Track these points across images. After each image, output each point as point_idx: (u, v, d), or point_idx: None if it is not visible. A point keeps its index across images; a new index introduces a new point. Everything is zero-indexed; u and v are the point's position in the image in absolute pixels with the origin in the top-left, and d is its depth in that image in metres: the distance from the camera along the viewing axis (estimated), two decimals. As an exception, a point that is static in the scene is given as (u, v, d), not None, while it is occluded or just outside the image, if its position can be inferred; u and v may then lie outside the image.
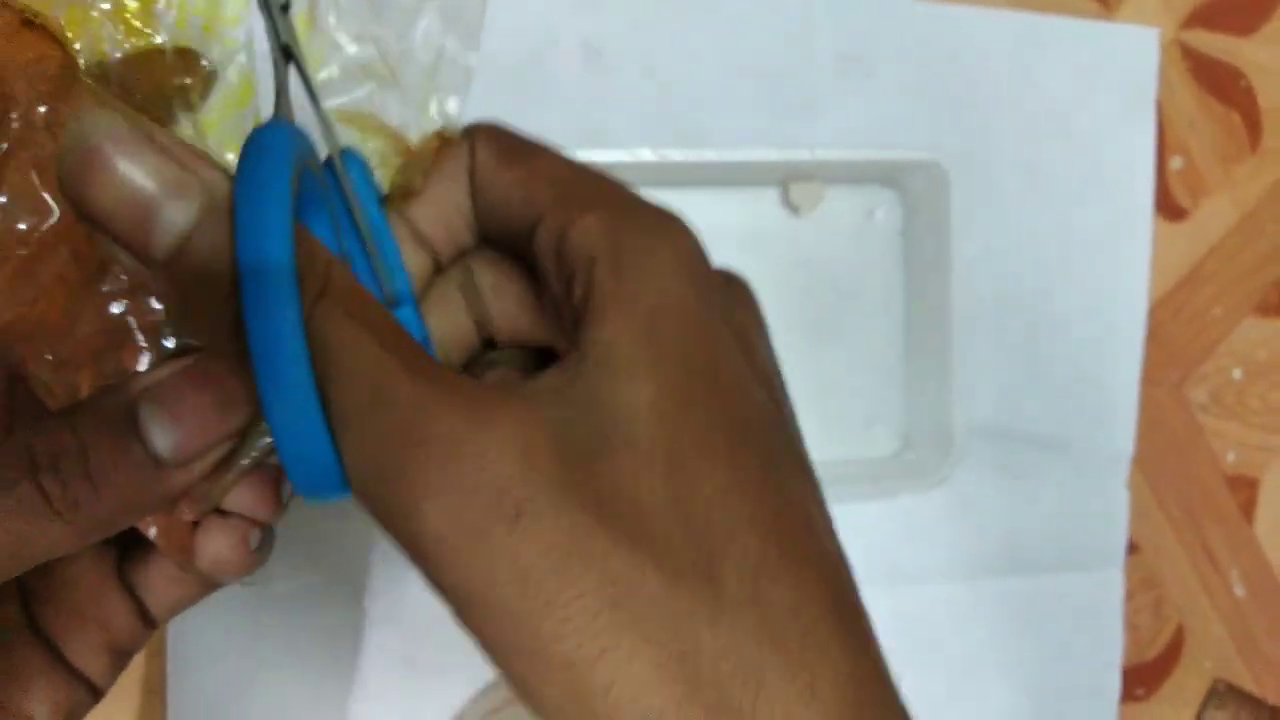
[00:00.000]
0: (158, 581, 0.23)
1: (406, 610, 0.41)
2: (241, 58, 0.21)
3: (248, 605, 0.39)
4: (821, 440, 0.44)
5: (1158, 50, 0.48)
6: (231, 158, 0.21)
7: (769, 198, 0.43)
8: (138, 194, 0.17)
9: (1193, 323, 0.50)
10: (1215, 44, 0.49)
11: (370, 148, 0.22)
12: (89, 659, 0.23)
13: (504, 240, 0.23)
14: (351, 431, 0.18)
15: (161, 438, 0.19)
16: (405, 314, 0.23)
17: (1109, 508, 0.49)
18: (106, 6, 0.19)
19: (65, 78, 0.19)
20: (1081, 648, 0.49)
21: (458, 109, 0.23)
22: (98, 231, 0.17)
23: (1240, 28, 0.50)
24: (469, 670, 0.41)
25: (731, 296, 0.23)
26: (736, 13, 0.42)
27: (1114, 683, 0.49)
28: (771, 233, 0.43)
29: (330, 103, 0.21)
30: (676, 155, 0.38)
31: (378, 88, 0.22)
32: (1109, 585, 0.49)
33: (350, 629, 0.40)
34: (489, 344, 0.25)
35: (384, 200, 0.23)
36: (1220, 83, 0.50)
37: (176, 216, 0.17)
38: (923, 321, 0.44)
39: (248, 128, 0.21)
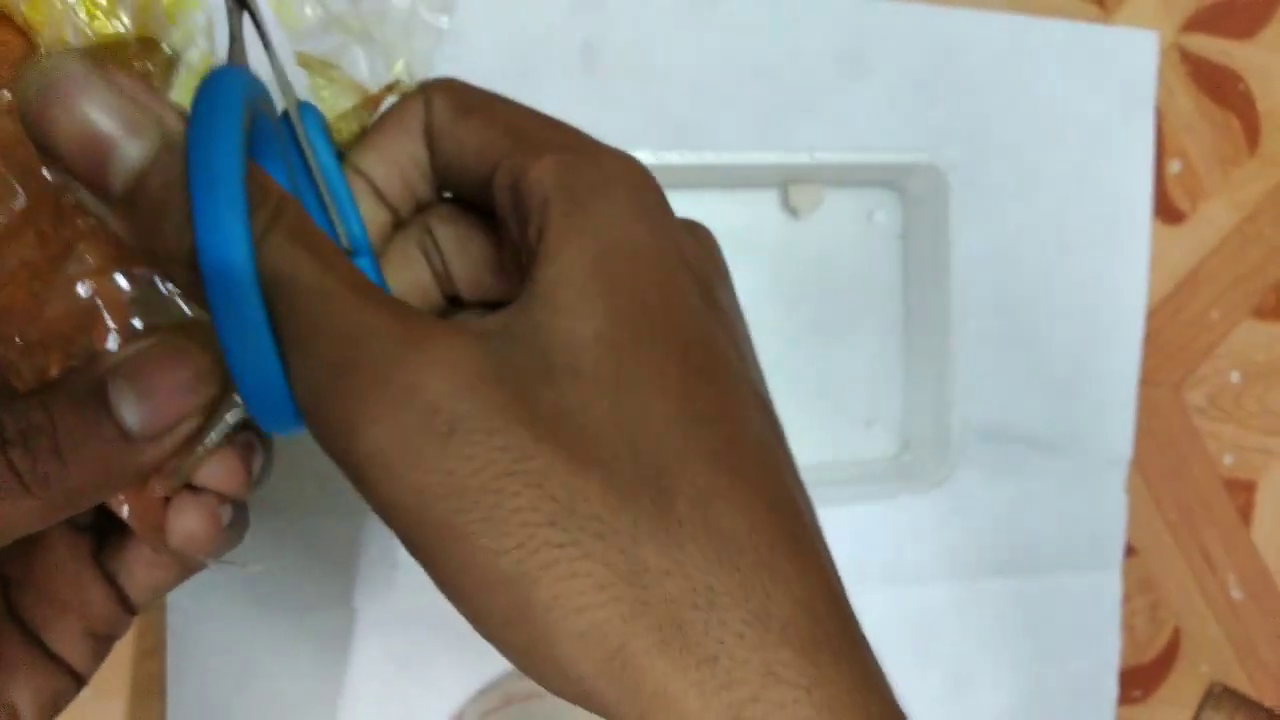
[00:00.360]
0: (135, 566, 0.23)
1: (404, 611, 0.41)
2: (202, 41, 0.21)
3: (247, 605, 0.39)
4: (820, 441, 0.44)
5: (1156, 53, 0.48)
6: None
7: (768, 200, 0.43)
8: (96, 131, 0.17)
9: (1191, 325, 0.50)
10: (1214, 47, 0.49)
11: (325, 96, 0.22)
12: (70, 646, 0.23)
13: (464, 192, 0.23)
14: (297, 355, 0.18)
15: (131, 412, 0.19)
16: (363, 266, 0.23)
17: (1107, 510, 0.49)
18: None
19: (30, 60, 0.19)
20: (1079, 649, 0.49)
21: (424, 70, 0.23)
22: (57, 169, 0.18)
23: (1239, 31, 0.50)
24: (466, 670, 0.41)
25: (693, 241, 0.23)
26: (735, 15, 0.42)
27: (1111, 684, 0.49)
28: (771, 235, 0.43)
29: (296, 47, 0.22)
30: (675, 158, 0.38)
31: (349, 40, 0.22)
32: (1107, 587, 0.49)
33: (348, 629, 0.40)
34: (455, 303, 0.25)
35: (341, 155, 0.23)
36: (1219, 86, 0.50)
37: (133, 153, 0.17)
38: (921, 323, 0.44)
39: None
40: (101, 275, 0.20)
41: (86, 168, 0.17)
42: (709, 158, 0.39)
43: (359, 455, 0.18)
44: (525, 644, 0.18)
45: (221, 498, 0.22)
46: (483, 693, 0.41)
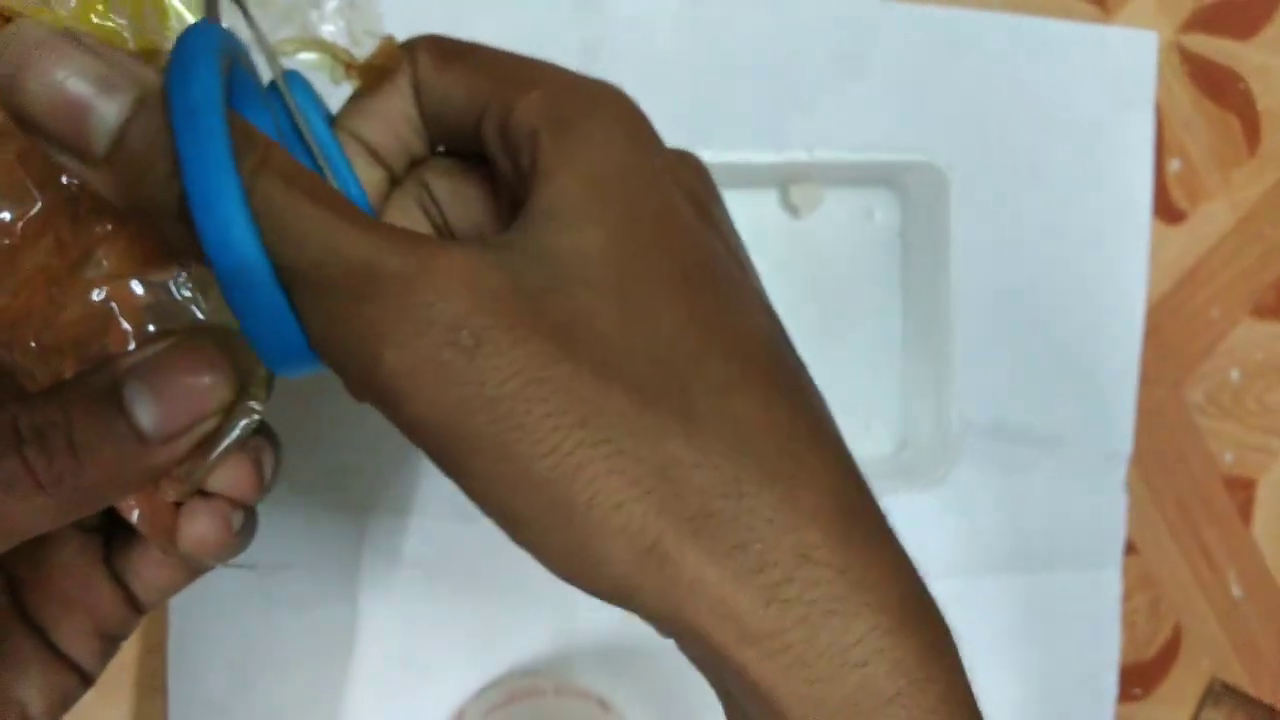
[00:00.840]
0: (144, 567, 0.23)
1: (407, 608, 0.41)
2: None
3: (249, 604, 0.40)
4: (820, 440, 0.44)
5: (1156, 53, 0.48)
6: None
7: (768, 199, 0.43)
8: (69, 96, 0.17)
9: (1190, 324, 0.50)
10: (1213, 47, 0.49)
11: (304, 60, 0.23)
12: (79, 646, 0.23)
13: (456, 143, 0.24)
14: (305, 290, 0.18)
15: (146, 413, 0.19)
16: None
17: (1107, 508, 0.49)
18: (73, 4, 0.19)
19: None
20: (1079, 647, 0.49)
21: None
22: (37, 140, 0.18)
23: (1238, 31, 0.50)
24: (469, 668, 0.42)
25: (683, 165, 0.23)
26: (734, 14, 0.42)
27: (1111, 682, 0.50)
28: (770, 233, 0.43)
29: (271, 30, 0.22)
30: (676, 156, 0.39)
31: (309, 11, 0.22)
32: (1107, 585, 0.49)
33: (350, 628, 0.40)
34: None
35: (331, 119, 0.23)
36: (1218, 86, 0.50)
37: (110, 111, 0.17)
38: (921, 321, 0.44)
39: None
40: (117, 280, 0.20)
41: (66, 134, 0.17)
42: (708, 157, 0.39)
43: (383, 380, 0.18)
44: (564, 547, 0.18)
45: (233, 503, 0.22)
46: (485, 690, 0.41)
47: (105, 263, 0.20)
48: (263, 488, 0.22)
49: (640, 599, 0.19)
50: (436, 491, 0.41)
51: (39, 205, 0.19)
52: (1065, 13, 0.47)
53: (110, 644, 0.24)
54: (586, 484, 0.17)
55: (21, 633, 0.22)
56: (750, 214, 0.43)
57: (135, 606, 0.24)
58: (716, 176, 0.42)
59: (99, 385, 0.19)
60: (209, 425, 0.20)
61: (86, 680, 0.23)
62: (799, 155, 0.40)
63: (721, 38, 0.42)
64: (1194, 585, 0.51)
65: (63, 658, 0.23)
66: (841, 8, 0.44)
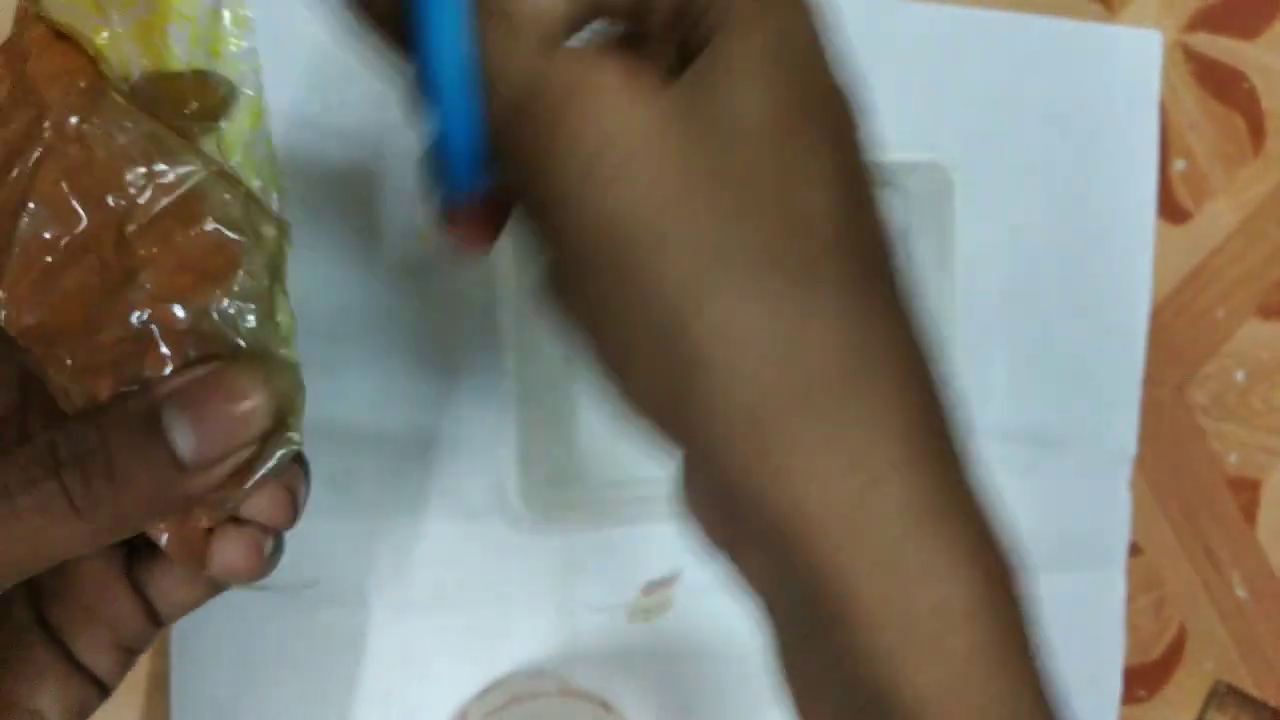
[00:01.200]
0: (165, 582, 0.23)
1: (409, 610, 0.41)
2: (250, 80, 0.21)
3: (251, 604, 0.39)
4: (823, 441, 0.44)
5: (1160, 52, 0.48)
6: (259, 184, 0.21)
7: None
8: None
9: (1195, 325, 0.50)
10: (1218, 46, 0.49)
11: None
12: (97, 657, 0.23)
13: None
14: (492, 90, 0.18)
15: (184, 440, 0.19)
16: None
17: (1111, 508, 0.49)
18: (124, 28, 0.19)
19: (95, 90, 0.19)
20: (1083, 648, 0.49)
21: None
22: None
23: (1243, 30, 0.50)
24: (471, 669, 0.42)
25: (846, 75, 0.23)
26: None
27: (1115, 683, 0.49)
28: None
29: None
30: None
31: None
32: (1111, 586, 0.49)
33: (353, 629, 0.40)
34: None
35: None
36: (1223, 85, 0.50)
37: None
38: (925, 322, 0.44)
39: (261, 148, 0.21)
40: (159, 303, 0.20)
41: None
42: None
43: (539, 187, 0.18)
44: (667, 378, 0.18)
45: (264, 529, 0.22)
46: (487, 691, 0.41)
47: (148, 285, 0.20)
48: (296, 516, 0.22)
49: (726, 459, 0.18)
50: (441, 494, 0.41)
51: (84, 224, 0.19)
52: (1069, 12, 0.47)
53: (128, 656, 0.24)
54: (710, 315, 0.17)
55: (41, 643, 0.22)
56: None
57: (154, 620, 0.24)
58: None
59: (138, 411, 0.19)
60: (246, 453, 0.20)
61: (104, 691, 0.23)
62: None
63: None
64: (1198, 587, 0.51)
65: (81, 669, 0.23)
66: (845, 6, 0.44)
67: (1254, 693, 0.51)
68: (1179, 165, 0.49)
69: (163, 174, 0.19)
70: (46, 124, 0.19)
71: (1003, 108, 0.46)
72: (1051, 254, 0.47)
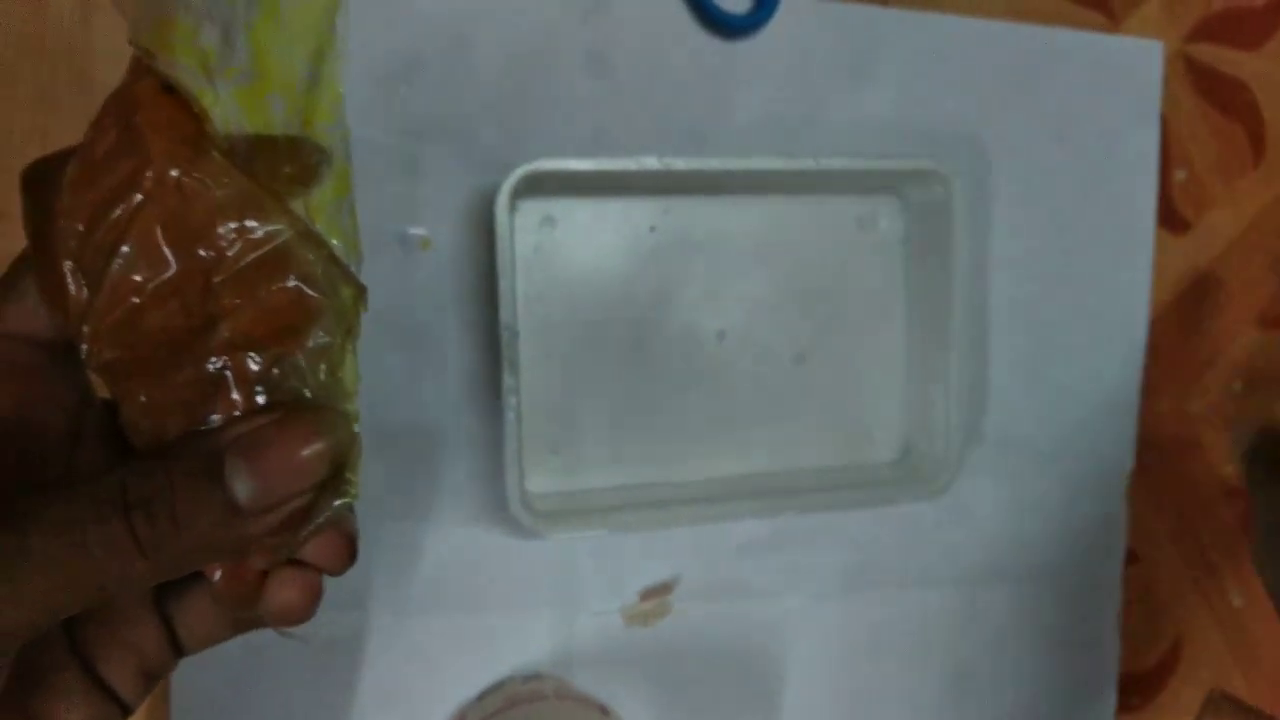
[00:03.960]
0: (193, 616, 0.24)
1: (408, 613, 0.41)
2: (340, 150, 0.22)
3: (251, 604, 0.40)
4: (824, 447, 0.44)
5: (1162, 63, 0.48)
6: (339, 247, 0.22)
7: (773, 206, 0.43)
8: None
9: (1194, 334, 0.50)
10: (1220, 57, 0.49)
11: None
12: (122, 680, 0.23)
13: None
14: None
15: (244, 487, 0.19)
16: None
17: (1108, 517, 0.49)
18: (227, 92, 0.20)
19: (197, 146, 0.19)
20: (1079, 656, 0.49)
21: None
22: None
23: (1245, 42, 0.50)
24: (469, 673, 0.42)
25: None
26: (740, 22, 0.42)
27: (1110, 691, 0.50)
28: (775, 239, 0.43)
29: None
30: (680, 164, 0.39)
31: None
32: (1107, 594, 0.49)
33: (352, 631, 0.41)
34: None
35: None
36: (1224, 96, 0.50)
37: None
38: (924, 330, 0.44)
39: (346, 215, 0.22)
40: (236, 352, 0.21)
41: None
42: (714, 164, 0.40)
43: None
44: None
45: (321, 573, 0.22)
46: (485, 694, 0.41)
47: (227, 334, 0.20)
48: (351, 561, 0.23)
49: None
50: (440, 498, 0.41)
51: (172, 271, 0.20)
52: (1072, 22, 0.47)
53: (150, 681, 0.24)
54: None
55: (70, 663, 0.23)
56: (755, 220, 0.43)
57: (177, 649, 0.24)
58: (721, 182, 0.42)
59: (202, 456, 0.20)
60: (303, 501, 0.20)
61: (126, 712, 0.24)
62: (805, 163, 0.40)
63: (726, 44, 0.42)
64: (1194, 596, 0.51)
65: (106, 690, 0.23)
66: (849, 16, 0.44)
67: (1249, 700, 0.52)
68: (1179, 175, 0.49)
69: (252, 230, 0.20)
70: (149, 173, 0.19)
71: (1004, 117, 0.46)
72: (1051, 263, 0.47)
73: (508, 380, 0.37)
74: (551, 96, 0.41)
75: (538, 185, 0.38)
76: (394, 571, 0.41)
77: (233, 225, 0.20)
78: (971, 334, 0.45)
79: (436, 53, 0.39)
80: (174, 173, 0.19)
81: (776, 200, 0.43)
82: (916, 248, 0.44)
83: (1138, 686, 0.51)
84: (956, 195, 0.42)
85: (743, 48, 0.43)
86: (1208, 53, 0.49)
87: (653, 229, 0.42)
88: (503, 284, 0.37)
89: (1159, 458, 0.50)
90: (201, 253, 0.20)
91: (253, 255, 0.20)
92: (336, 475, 0.21)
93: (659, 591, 0.43)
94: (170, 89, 0.20)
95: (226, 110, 0.20)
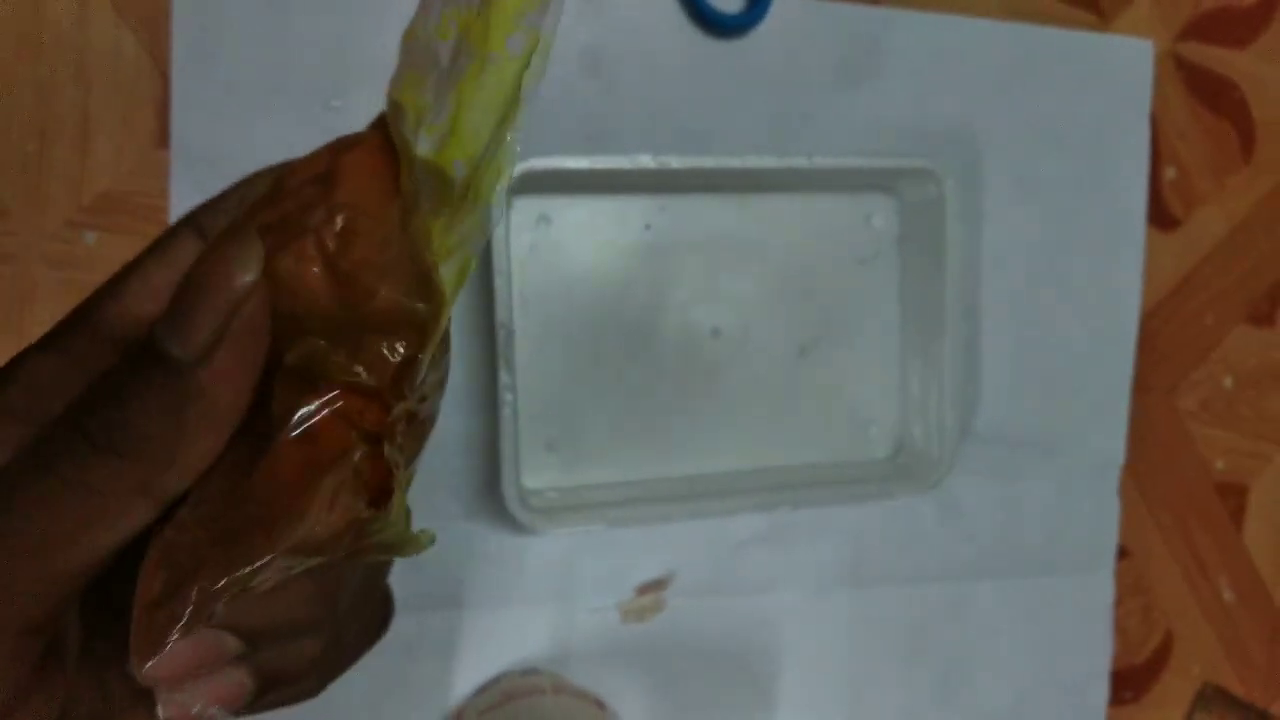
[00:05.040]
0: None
1: (405, 608, 0.41)
2: (500, 200, 0.21)
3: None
4: (818, 443, 0.45)
5: (1152, 62, 0.48)
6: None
7: (767, 204, 0.43)
8: None
9: (1184, 331, 0.51)
10: (1210, 56, 0.50)
11: None
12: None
13: None
14: None
15: (172, 339, 0.18)
16: None
17: (1099, 513, 0.49)
18: (427, 148, 0.19)
19: (381, 203, 0.19)
20: (1071, 651, 0.49)
21: None
22: None
23: (1235, 40, 0.50)
24: (466, 668, 0.42)
25: None
26: (734, 21, 0.42)
27: (1102, 686, 0.50)
28: (769, 237, 0.44)
29: None
30: (676, 162, 0.39)
31: None
32: (1099, 589, 0.50)
33: (350, 625, 0.41)
34: None
35: None
36: (1214, 94, 0.50)
37: None
38: (918, 326, 0.44)
39: (475, 262, 0.21)
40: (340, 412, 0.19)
41: None
42: (709, 163, 0.40)
43: None
44: None
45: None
46: (482, 689, 0.42)
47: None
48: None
49: None
50: (437, 493, 0.41)
51: (306, 305, 0.19)
52: (1063, 21, 0.47)
53: None
54: None
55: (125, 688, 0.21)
56: (749, 218, 0.43)
57: None
58: (716, 181, 0.43)
59: (138, 350, 0.18)
60: (245, 310, 0.18)
61: None
62: (799, 162, 0.41)
63: (721, 43, 0.43)
64: (1186, 590, 0.52)
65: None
66: (841, 16, 0.44)
67: (1241, 695, 0.52)
68: (1170, 173, 0.50)
69: (395, 301, 0.19)
70: (323, 209, 0.19)
71: (996, 115, 0.46)
72: (1042, 260, 0.47)
73: (504, 378, 0.38)
74: (546, 95, 0.41)
75: (533, 183, 0.39)
76: (390, 568, 0.41)
77: (380, 290, 0.19)
78: (965, 331, 0.46)
79: (433, 52, 0.40)
80: (341, 218, 0.19)
81: (771, 198, 0.44)
82: (910, 246, 0.45)
83: (1130, 681, 0.51)
84: (949, 193, 0.42)
85: (736, 47, 0.43)
86: (1197, 51, 0.50)
87: (648, 227, 0.42)
88: (498, 282, 0.38)
89: (1150, 453, 0.50)
90: (338, 300, 0.19)
91: (375, 311, 0.19)
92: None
93: (655, 587, 0.44)
94: (389, 146, 0.19)
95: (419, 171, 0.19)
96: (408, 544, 0.21)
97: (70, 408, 0.18)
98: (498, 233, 0.37)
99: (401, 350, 0.19)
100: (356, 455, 0.19)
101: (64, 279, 0.38)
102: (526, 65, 0.20)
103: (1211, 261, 0.51)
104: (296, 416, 0.18)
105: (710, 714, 0.45)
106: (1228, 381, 0.52)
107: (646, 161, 0.39)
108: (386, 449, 0.19)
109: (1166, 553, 0.51)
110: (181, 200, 0.38)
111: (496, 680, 0.42)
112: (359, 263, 0.19)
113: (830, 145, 0.44)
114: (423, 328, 0.19)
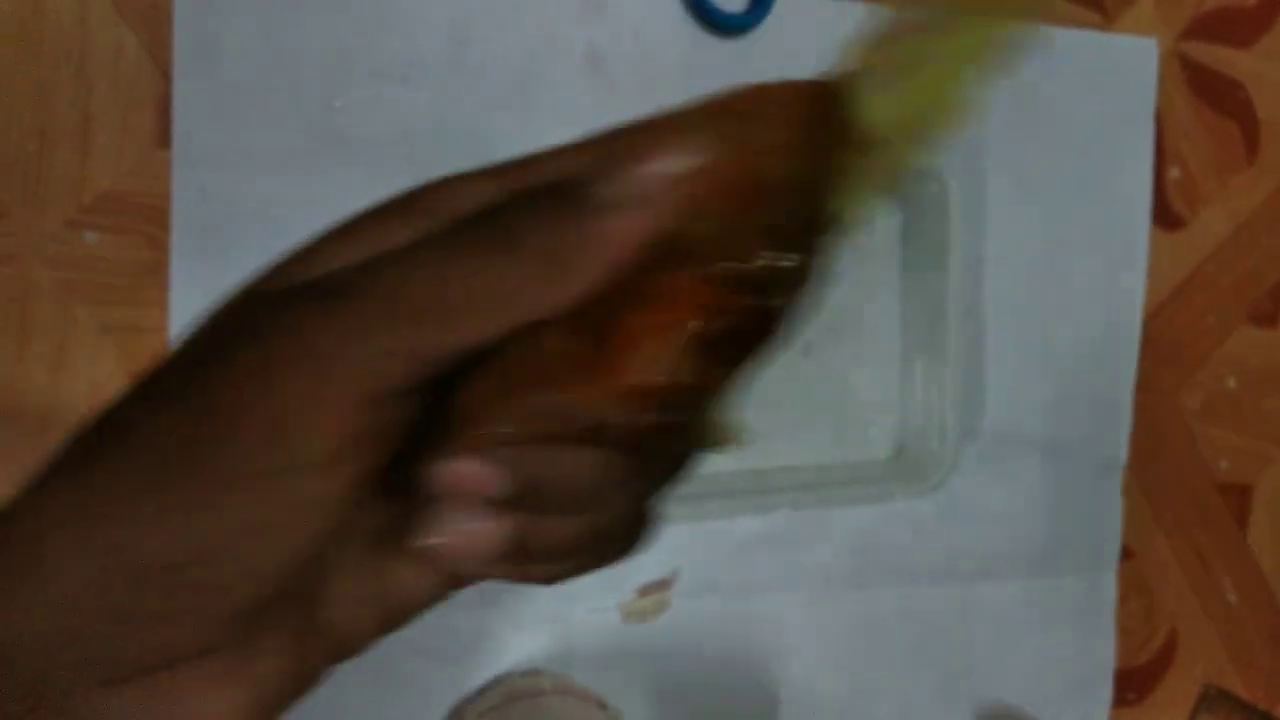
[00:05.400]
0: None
1: (407, 608, 0.41)
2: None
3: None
4: (820, 443, 0.45)
5: (1156, 61, 0.48)
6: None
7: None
8: None
9: (1187, 331, 0.51)
10: (1214, 55, 0.50)
11: None
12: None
13: None
14: None
15: (603, 184, 0.19)
16: None
17: (1103, 513, 0.49)
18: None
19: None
20: (1074, 652, 0.49)
21: None
22: None
23: (1239, 39, 0.50)
24: (466, 668, 0.42)
25: None
26: (737, 20, 0.42)
27: (1106, 687, 0.50)
28: (772, 238, 0.43)
29: None
30: (678, 161, 0.39)
31: None
32: (1102, 590, 0.49)
33: (351, 626, 0.41)
34: None
35: None
36: (1218, 94, 0.50)
37: None
38: (920, 328, 0.44)
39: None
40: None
41: None
42: (711, 162, 0.40)
43: None
44: None
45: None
46: (484, 690, 0.42)
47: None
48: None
49: None
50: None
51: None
52: (1067, 20, 0.47)
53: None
54: None
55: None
56: (751, 219, 0.43)
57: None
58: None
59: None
60: (677, 187, 0.19)
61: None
62: (800, 161, 0.41)
63: (723, 42, 0.43)
64: (1189, 591, 0.52)
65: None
66: (844, 14, 0.44)
67: (1244, 695, 0.52)
68: (1174, 173, 0.50)
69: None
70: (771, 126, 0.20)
71: (999, 115, 0.46)
72: (1046, 260, 0.47)
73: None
74: (549, 95, 0.41)
75: (535, 183, 0.39)
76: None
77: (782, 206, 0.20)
78: (967, 331, 0.46)
79: (436, 52, 0.40)
80: (783, 138, 0.20)
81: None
82: (913, 245, 0.44)
83: (1133, 681, 0.51)
84: (952, 193, 0.42)
85: (739, 46, 0.43)
86: (1201, 51, 0.50)
87: (650, 227, 0.42)
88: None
89: (1154, 454, 0.50)
90: (740, 206, 0.20)
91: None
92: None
93: (657, 587, 0.43)
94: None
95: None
96: (719, 433, 0.21)
97: (487, 206, 0.19)
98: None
99: (773, 259, 0.19)
100: (692, 327, 0.19)
101: (64, 279, 0.38)
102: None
103: (1215, 261, 0.51)
104: (653, 281, 0.19)
105: (713, 713, 0.45)
106: (1231, 382, 0.51)
107: (648, 161, 0.39)
108: (719, 330, 0.19)
109: (1170, 553, 0.51)
110: (182, 200, 0.38)
111: (498, 681, 0.42)
112: (778, 183, 0.19)
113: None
114: (808, 247, 0.20)
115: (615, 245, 0.19)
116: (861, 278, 0.45)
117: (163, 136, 0.38)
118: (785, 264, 0.19)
